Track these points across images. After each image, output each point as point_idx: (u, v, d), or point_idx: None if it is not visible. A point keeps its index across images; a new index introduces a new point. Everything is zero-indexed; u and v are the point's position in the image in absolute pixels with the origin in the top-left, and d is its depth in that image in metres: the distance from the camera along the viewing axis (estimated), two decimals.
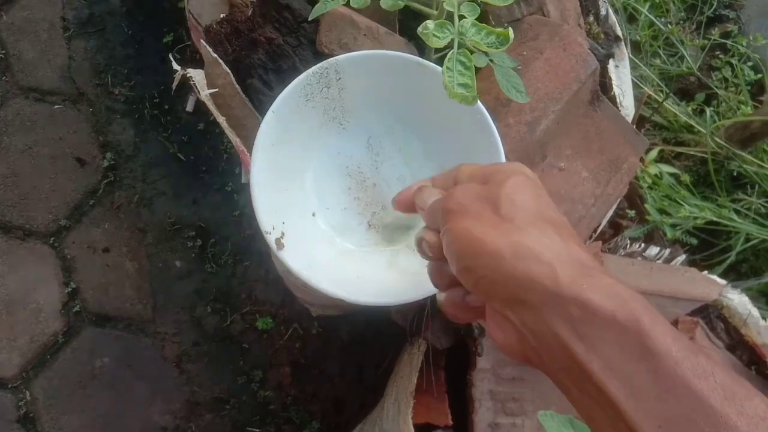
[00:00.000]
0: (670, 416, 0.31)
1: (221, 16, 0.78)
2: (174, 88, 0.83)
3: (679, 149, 1.38)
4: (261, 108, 0.74)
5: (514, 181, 0.42)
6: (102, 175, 1.36)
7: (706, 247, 1.30)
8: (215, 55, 0.74)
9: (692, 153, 1.37)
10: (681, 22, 1.50)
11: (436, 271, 0.48)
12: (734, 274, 1.31)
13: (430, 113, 0.69)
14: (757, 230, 1.24)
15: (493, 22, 0.79)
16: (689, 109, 1.39)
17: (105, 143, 1.37)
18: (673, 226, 1.20)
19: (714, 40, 1.45)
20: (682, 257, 0.96)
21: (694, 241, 1.23)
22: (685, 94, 1.47)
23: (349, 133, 0.72)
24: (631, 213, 1.09)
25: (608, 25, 0.90)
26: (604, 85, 0.89)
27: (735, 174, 1.35)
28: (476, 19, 0.60)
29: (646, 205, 1.13)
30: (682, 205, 1.23)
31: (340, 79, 0.66)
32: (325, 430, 1.26)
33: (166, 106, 1.40)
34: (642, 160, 1.23)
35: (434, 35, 0.57)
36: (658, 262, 0.94)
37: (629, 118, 0.89)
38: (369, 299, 0.63)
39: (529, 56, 0.76)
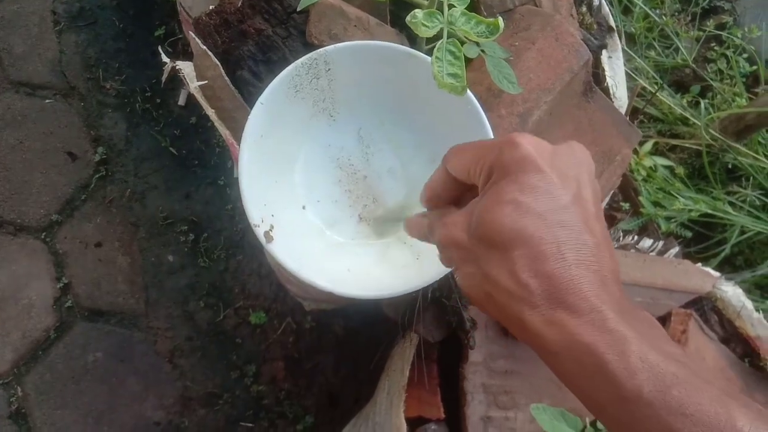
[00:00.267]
0: None
1: (210, 7, 0.77)
2: (164, 80, 0.82)
3: (673, 141, 1.37)
4: (250, 100, 0.73)
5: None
6: (94, 169, 1.35)
7: (700, 239, 1.29)
8: (204, 47, 0.73)
9: (687, 145, 1.36)
10: (676, 13, 1.49)
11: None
12: (729, 267, 1.31)
13: (421, 105, 0.68)
14: (751, 223, 1.23)
15: (484, 12, 0.79)
16: (684, 101, 1.38)
17: (96, 137, 1.36)
18: (668, 218, 1.20)
19: (709, 31, 1.45)
20: (676, 249, 0.95)
21: (689, 234, 1.23)
22: (680, 86, 1.46)
23: (339, 124, 0.71)
24: (626, 206, 1.09)
25: (601, 15, 0.89)
26: (597, 76, 0.88)
27: (730, 166, 1.35)
28: (466, 8, 0.59)
29: (641, 198, 1.13)
30: (676, 197, 1.23)
31: (329, 70, 0.66)
32: (319, 424, 1.26)
33: (158, 100, 1.39)
34: (635, 151, 1.22)
35: (423, 24, 0.56)
36: (651, 254, 0.93)
37: (622, 110, 0.89)
38: (359, 292, 0.63)
39: (521, 47, 0.75)
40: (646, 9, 1.39)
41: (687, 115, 1.35)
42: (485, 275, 0.40)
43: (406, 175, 0.71)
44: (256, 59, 0.75)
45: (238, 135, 0.69)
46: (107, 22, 1.42)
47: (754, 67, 1.43)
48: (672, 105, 1.36)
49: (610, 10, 0.91)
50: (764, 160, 1.27)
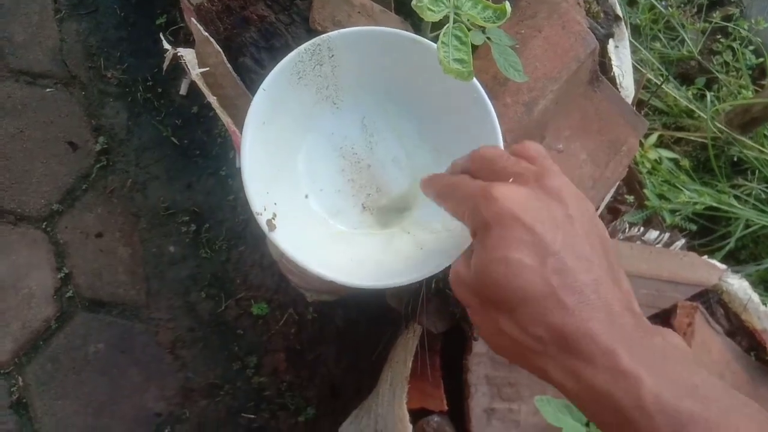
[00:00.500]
0: None
1: None
2: (165, 67, 0.81)
3: (679, 134, 1.36)
4: (253, 87, 0.72)
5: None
6: (95, 159, 1.34)
7: (705, 233, 1.28)
8: (206, 34, 0.72)
9: (692, 138, 1.35)
10: (682, 5, 1.48)
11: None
12: (733, 261, 1.30)
13: (426, 93, 0.67)
14: (756, 216, 1.22)
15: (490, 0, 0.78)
16: (689, 93, 1.37)
17: (98, 127, 1.36)
18: (673, 211, 1.19)
19: (715, 23, 1.43)
20: (682, 242, 0.94)
21: (694, 227, 1.22)
22: (685, 79, 1.45)
23: (343, 112, 0.70)
24: (630, 199, 1.08)
25: (608, 4, 0.88)
26: (603, 66, 0.87)
27: (735, 159, 1.33)
28: None
29: (646, 191, 1.12)
30: (681, 190, 1.22)
31: (333, 56, 0.65)
32: (321, 415, 1.25)
33: (160, 90, 1.38)
34: (641, 143, 1.21)
35: (429, 8, 0.55)
36: (657, 246, 0.92)
37: (629, 99, 0.88)
38: (362, 282, 0.62)
39: (527, 34, 0.74)
40: (652, 0, 1.38)
41: (692, 107, 1.34)
42: (500, 330, 0.41)
43: (411, 165, 0.71)
44: (259, 46, 0.74)
45: (240, 123, 0.68)
46: (108, 10, 1.41)
47: (761, 60, 1.42)
48: (677, 97, 1.35)
49: None
50: None
